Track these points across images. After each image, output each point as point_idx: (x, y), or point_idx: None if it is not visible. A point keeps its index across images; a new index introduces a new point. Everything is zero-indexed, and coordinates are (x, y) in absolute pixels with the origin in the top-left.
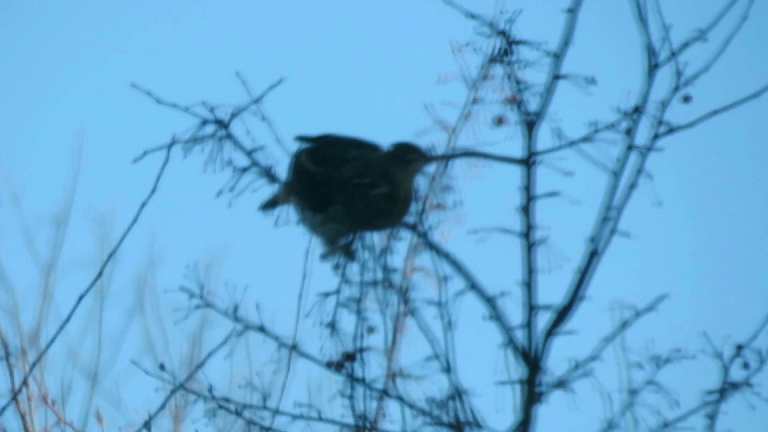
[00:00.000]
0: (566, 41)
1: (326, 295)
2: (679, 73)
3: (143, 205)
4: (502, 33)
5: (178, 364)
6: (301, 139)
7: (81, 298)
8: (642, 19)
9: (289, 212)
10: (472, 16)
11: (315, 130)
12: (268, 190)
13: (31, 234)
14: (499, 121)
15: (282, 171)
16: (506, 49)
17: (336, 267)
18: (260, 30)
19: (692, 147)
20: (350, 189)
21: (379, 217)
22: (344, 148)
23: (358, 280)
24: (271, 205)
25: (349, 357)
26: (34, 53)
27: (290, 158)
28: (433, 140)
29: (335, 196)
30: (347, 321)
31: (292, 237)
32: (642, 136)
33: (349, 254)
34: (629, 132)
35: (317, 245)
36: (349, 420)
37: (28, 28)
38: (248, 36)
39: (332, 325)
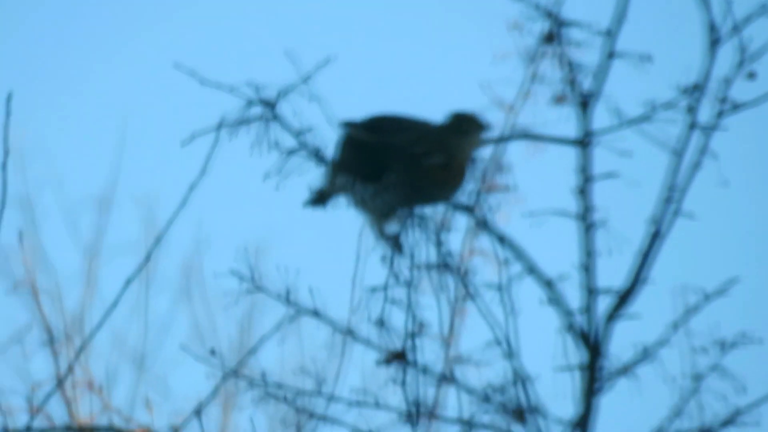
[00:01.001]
0: (620, 18)
1: (374, 290)
2: (743, 49)
3: (192, 188)
4: (550, 14)
5: (227, 350)
6: (347, 125)
7: (128, 282)
8: None
9: (338, 198)
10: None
11: (365, 111)
12: (315, 174)
13: (75, 217)
14: (559, 99)
15: (329, 154)
16: (555, 32)
17: (384, 259)
18: (309, 7)
19: (758, 125)
20: (405, 157)
21: (434, 188)
22: (398, 120)
23: (411, 264)
24: (318, 200)
25: (398, 356)
26: (77, 34)
27: (336, 140)
28: (491, 120)
29: (389, 164)
30: (399, 313)
31: (344, 219)
32: (705, 115)
33: (397, 246)
34: (691, 110)
35: (367, 227)
36: (405, 407)
37: (72, 11)
38: (296, 14)
39: (381, 322)
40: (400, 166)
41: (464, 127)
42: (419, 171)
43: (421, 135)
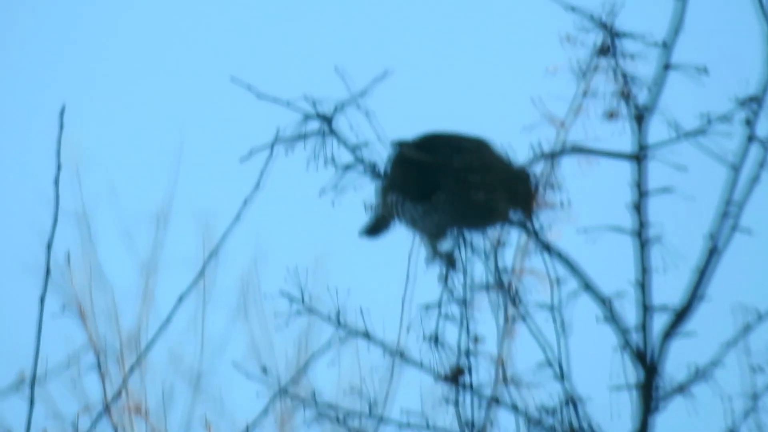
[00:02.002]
0: (676, 28)
1: (428, 307)
2: None
3: (246, 202)
4: (605, 26)
5: (283, 369)
6: (399, 144)
7: (181, 298)
8: (760, 1)
9: (392, 225)
10: (572, 9)
11: (419, 125)
12: (371, 190)
13: (131, 233)
14: (611, 114)
15: (383, 170)
16: (610, 44)
17: (439, 277)
18: (364, 22)
19: None
20: (456, 179)
21: (482, 217)
22: (449, 138)
23: (465, 282)
24: (374, 229)
25: (459, 372)
26: (133, 49)
27: (388, 158)
28: (542, 136)
29: (440, 183)
30: (452, 329)
31: (395, 239)
32: (763, 128)
33: (451, 262)
34: (749, 123)
35: (419, 245)
36: (457, 428)
37: (129, 25)
38: (352, 28)
39: (435, 339)
40: (451, 187)
41: (521, 188)
42: (469, 197)
43: (482, 164)
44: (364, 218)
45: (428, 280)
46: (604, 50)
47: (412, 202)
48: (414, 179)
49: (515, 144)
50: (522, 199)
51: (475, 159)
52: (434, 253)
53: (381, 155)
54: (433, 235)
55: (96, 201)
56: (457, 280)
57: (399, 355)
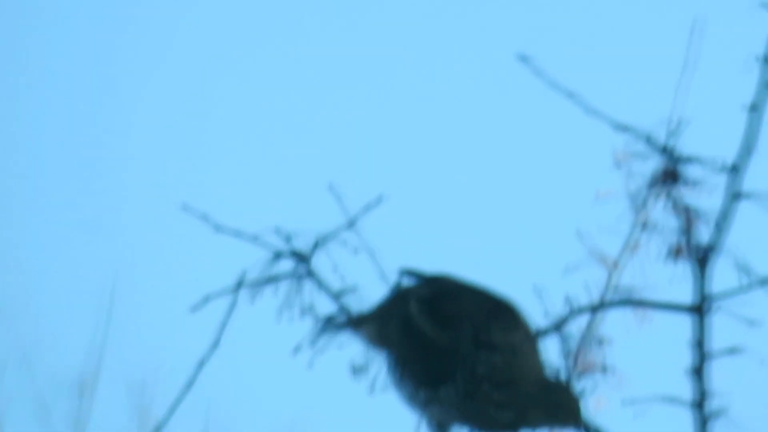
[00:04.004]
0: (748, 149)
1: None
2: None
3: (200, 364)
4: (665, 149)
5: None
6: (409, 273)
7: None
8: None
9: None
10: (625, 129)
11: (424, 266)
12: (360, 349)
13: (48, 403)
14: (677, 252)
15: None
16: (672, 170)
17: None
18: (354, 132)
19: None
20: (477, 385)
21: (495, 428)
22: (473, 305)
23: None
24: (343, 325)
25: None
26: (51, 167)
27: (391, 294)
28: (588, 278)
29: (452, 375)
30: None
31: (392, 407)
32: None
33: None
34: None
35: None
36: None
37: (53, 144)
38: (336, 140)
39: None
40: (467, 389)
41: (560, 414)
42: (485, 406)
43: (508, 376)
44: (350, 384)
45: None
46: (664, 177)
47: (413, 382)
48: (420, 357)
49: (554, 289)
50: (564, 415)
51: (503, 366)
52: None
53: (373, 304)
54: (438, 424)
55: (3, 364)
56: None
57: None
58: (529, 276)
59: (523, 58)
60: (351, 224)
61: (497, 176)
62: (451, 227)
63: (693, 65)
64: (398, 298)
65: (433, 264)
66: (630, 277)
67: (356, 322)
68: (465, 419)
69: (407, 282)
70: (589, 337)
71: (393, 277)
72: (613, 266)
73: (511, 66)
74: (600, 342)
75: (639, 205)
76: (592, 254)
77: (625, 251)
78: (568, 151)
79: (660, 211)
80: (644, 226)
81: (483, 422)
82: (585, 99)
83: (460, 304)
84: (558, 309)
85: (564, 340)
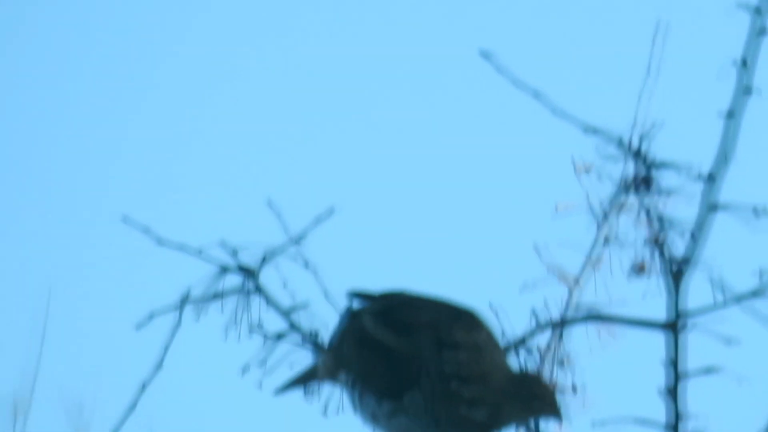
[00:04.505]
0: (725, 157)
1: None
2: None
3: (144, 386)
4: (637, 153)
5: None
6: (358, 296)
7: None
8: None
9: (342, 395)
10: (594, 131)
11: (377, 281)
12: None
13: None
14: (641, 268)
15: (327, 335)
16: (644, 177)
17: None
18: (307, 145)
19: None
20: (444, 384)
21: (464, 426)
22: (433, 311)
23: None
24: (299, 382)
25: None
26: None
27: (342, 319)
28: (547, 296)
29: (415, 379)
30: None
31: (347, 428)
32: None
33: None
34: None
35: None
36: None
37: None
38: (289, 154)
39: None
40: (433, 392)
41: (534, 404)
42: (454, 407)
43: (474, 372)
44: (302, 404)
45: None
46: (637, 184)
47: (375, 396)
48: (380, 369)
49: (511, 307)
50: (540, 404)
51: (470, 361)
52: None
53: (324, 320)
54: None
55: None
56: None
57: None
58: (486, 293)
59: (486, 55)
60: (300, 239)
61: (455, 185)
62: (404, 242)
63: (658, 68)
64: (350, 319)
65: (387, 280)
66: (593, 294)
67: (306, 375)
68: (435, 425)
69: (357, 304)
70: (551, 356)
71: (339, 295)
72: (575, 283)
73: (473, 66)
74: (562, 361)
75: (603, 218)
76: (552, 270)
77: (587, 267)
78: (532, 156)
79: (627, 223)
80: (607, 239)
81: (455, 426)
82: (552, 100)
83: (418, 312)
84: (515, 328)
85: (527, 358)
